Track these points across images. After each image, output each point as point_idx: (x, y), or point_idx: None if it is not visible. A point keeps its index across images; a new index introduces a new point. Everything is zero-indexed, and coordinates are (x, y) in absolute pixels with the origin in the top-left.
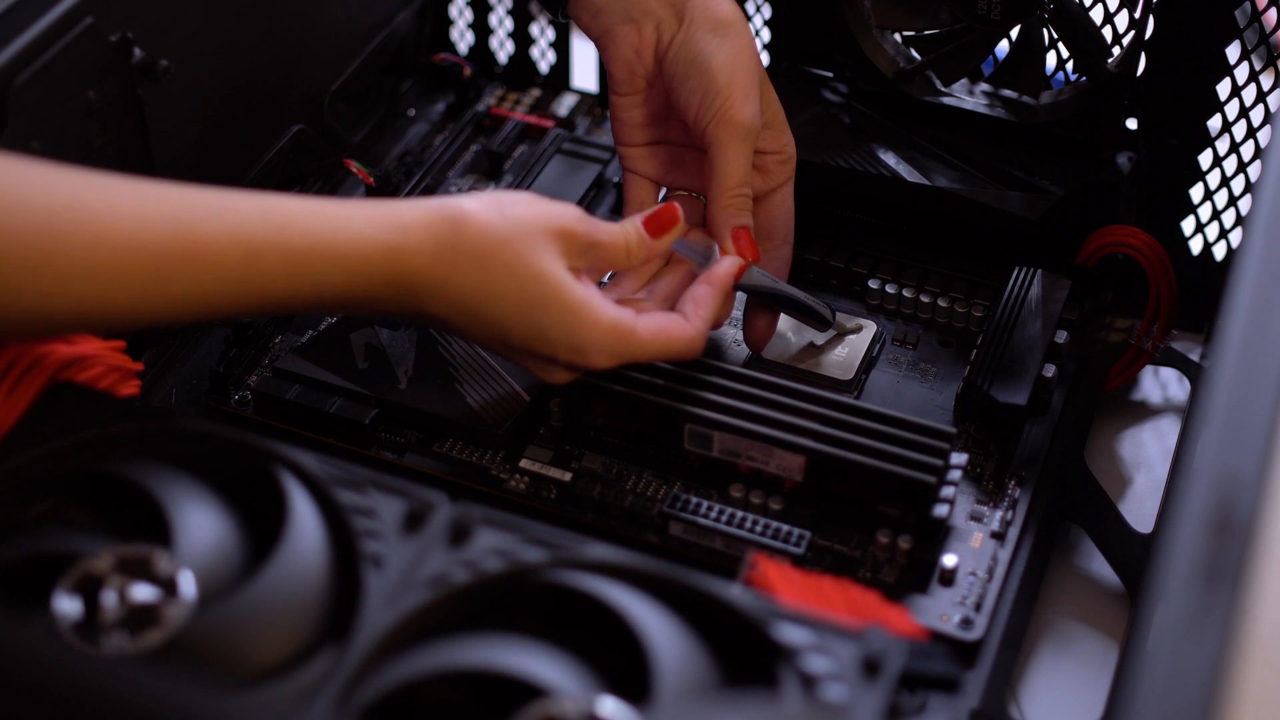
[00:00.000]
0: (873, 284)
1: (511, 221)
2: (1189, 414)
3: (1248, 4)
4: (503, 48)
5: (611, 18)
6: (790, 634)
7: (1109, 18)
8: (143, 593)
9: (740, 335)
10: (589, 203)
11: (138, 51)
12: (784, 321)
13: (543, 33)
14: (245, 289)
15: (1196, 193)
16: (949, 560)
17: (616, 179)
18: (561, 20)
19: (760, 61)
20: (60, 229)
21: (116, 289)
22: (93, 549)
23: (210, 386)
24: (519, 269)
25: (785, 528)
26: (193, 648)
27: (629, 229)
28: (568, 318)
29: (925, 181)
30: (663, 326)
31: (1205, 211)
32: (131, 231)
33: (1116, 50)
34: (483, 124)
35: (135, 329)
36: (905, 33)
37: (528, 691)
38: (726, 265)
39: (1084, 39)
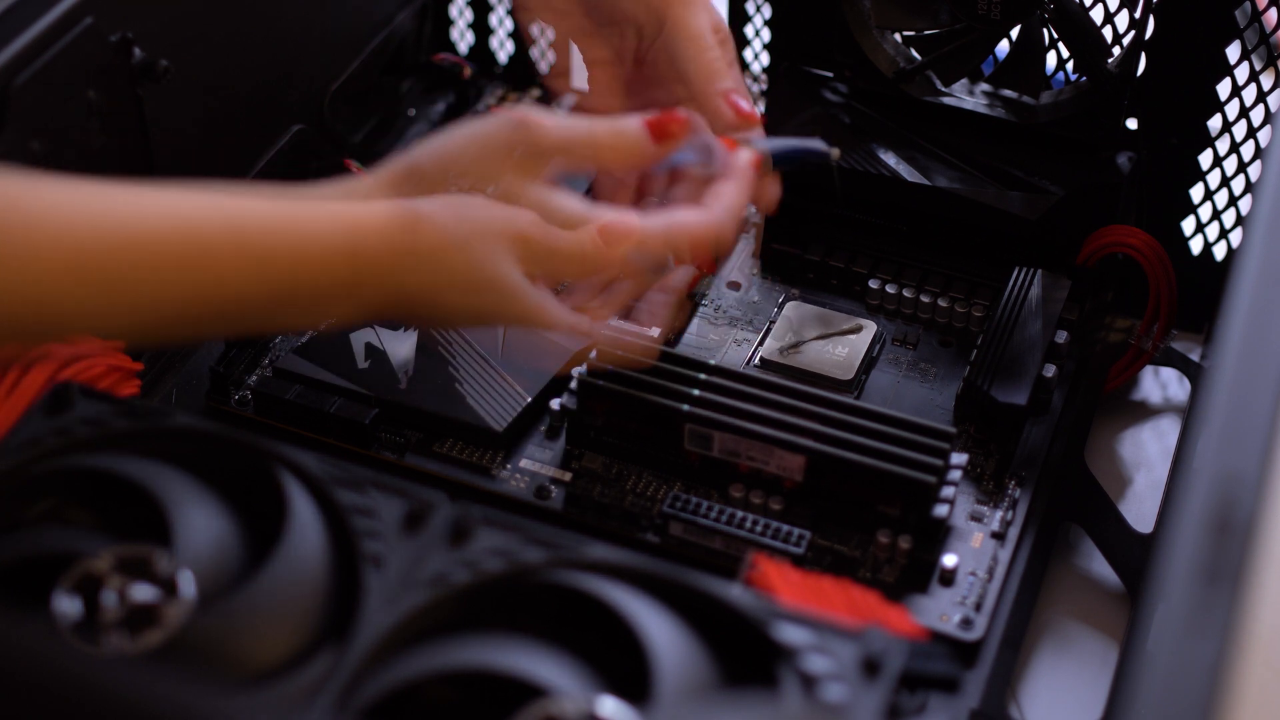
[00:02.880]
0: (873, 284)
1: (468, 225)
2: (1189, 414)
3: (1248, 4)
4: (503, 48)
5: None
6: (790, 634)
7: (1109, 18)
8: (142, 592)
9: (741, 335)
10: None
11: (138, 51)
12: (785, 322)
13: (543, 33)
14: (198, 291)
15: (1196, 193)
16: (949, 560)
17: None
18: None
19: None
20: (6, 231)
21: (69, 291)
22: (93, 549)
23: (210, 386)
24: (474, 273)
25: (785, 528)
26: (193, 648)
27: (585, 238)
28: (522, 324)
29: (925, 181)
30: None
31: (1205, 211)
32: (82, 233)
33: (1116, 50)
34: None
35: (97, 335)
36: (905, 33)
37: (528, 691)
38: (680, 274)
39: (1084, 39)
